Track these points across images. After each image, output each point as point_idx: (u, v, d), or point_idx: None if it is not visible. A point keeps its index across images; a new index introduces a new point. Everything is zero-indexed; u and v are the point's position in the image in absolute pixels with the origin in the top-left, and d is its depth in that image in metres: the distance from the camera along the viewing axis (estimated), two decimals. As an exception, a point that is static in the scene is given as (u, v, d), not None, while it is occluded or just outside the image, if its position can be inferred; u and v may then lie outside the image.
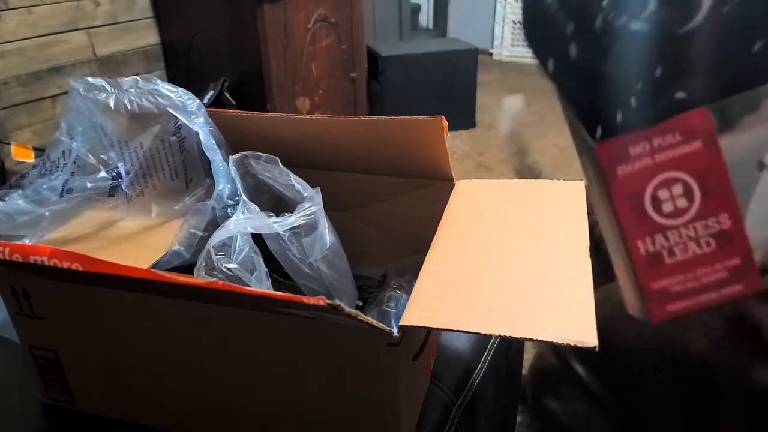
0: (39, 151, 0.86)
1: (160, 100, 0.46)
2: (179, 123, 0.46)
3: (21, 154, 0.69)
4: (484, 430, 0.41)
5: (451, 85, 1.92)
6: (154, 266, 0.38)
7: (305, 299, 0.25)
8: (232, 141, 0.48)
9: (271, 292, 0.28)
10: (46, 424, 0.40)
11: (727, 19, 0.19)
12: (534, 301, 0.27)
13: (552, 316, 0.26)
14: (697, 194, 0.20)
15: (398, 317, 0.30)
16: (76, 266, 0.30)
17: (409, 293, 0.33)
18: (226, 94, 1.30)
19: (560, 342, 0.23)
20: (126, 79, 0.48)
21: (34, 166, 0.50)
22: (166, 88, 0.47)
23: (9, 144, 0.96)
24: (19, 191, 0.48)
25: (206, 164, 0.47)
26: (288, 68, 1.33)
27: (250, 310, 0.31)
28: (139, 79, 0.48)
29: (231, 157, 0.46)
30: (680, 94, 0.19)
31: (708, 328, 0.25)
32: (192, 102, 0.47)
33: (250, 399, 0.35)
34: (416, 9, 2.97)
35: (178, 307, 0.32)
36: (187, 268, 0.41)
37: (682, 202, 0.20)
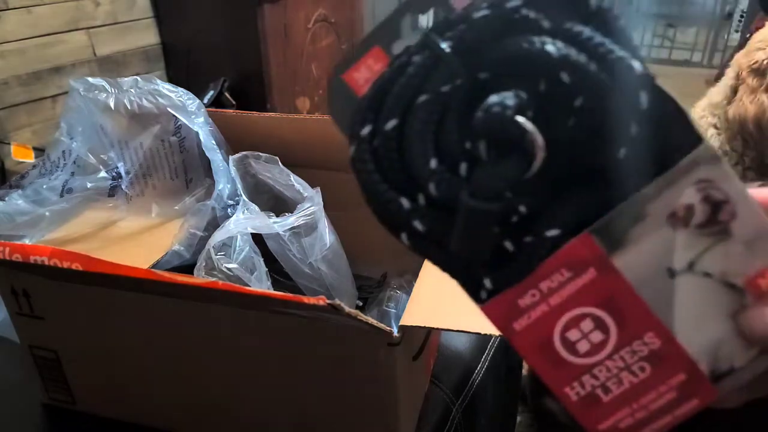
0: (39, 151, 0.86)
1: (160, 100, 0.46)
2: (179, 123, 0.46)
3: (21, 154, 0.69)
4: (484, 430, 0.41)
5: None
6: (154, 266, 0.38)
7: (305, 299, 0.25)
8: (232, 141, 0.48)
9: (271, 291, 0.28)
10: (46, 423, 0.40)
11: (572, 139, 0.17)
12: (534, 301, 0.27)
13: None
14: (611, 323, 0.18)
15: (398, 317, 0.30)
16: (76, 266, 0.30)
17: (409, 293, 0.33)
18: (226, 94, 1.30)
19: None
20: (126, 79, 0.48)
21: (34, 166, 0.50)
22: (166, 88, 0.47)
23: (9, 144, 0.96)
24: (19, 191, 0.48)
25: (206, 164, 0.47)
26: (288, 68, 1.33)
27: (250, 310, 0.31)
28: (139, 79, 0.48)
29: (231, 157, 0.46)
30: (552, 232, 0.18)
31: None
32: (192, 102, 0.47)
33: (250, 398, 0.35)
34: (416, 9, 2.96)
35: (178, 306, 0.32)
36: (187, 268, 0.41)
37: (597, 336, 0.19)
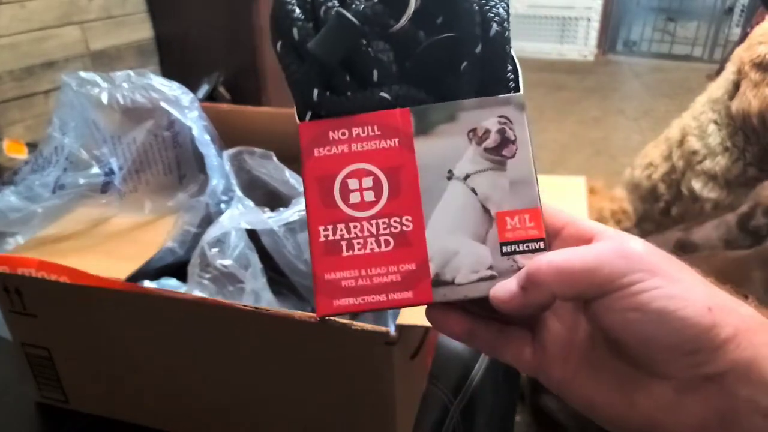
0: (32, 146, 0.85)
1: (153, 94, 0.46)
2: (173, 118, 0.46)
3: (14, 150, 0.68)
4: (482, 430, 0.41)
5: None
6: (147, 263, 0.38)
7: (296, 315, 0.25)
8: (227, 136, 0.47)
9: (262, 307, 0.28)
10: (39, 422, 0.39)
11: (438, 30, 0.21)
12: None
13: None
14: (386, 191, 0.20)
15: (395, 315, 0.30)
16: (64, 279, 0.30)
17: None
18: (221, 89, 1.29)
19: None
20: (119, 73, 0.48)
21: (26, 162, 0.49)
22: (159, 82, 0.46)
23: (1, 140, 0.95)
24: (12, 187, 0.47)
25: (200, 159, 0.46)
26: (284, 63, 1.31)
27: (245, 309, 0.31)
28: (132, 73, 0.47)
29: (225, 152, 0.45)
30: (385, 94, 0.20)
31: None
32: (186, 96, 0.46)
33: (244, 398, 0.34)
34: (414, 3, 2.95)
35: (172, 305, 0.32)
36: (181, 265, 0.40)
37: (370, 196, 0.20)
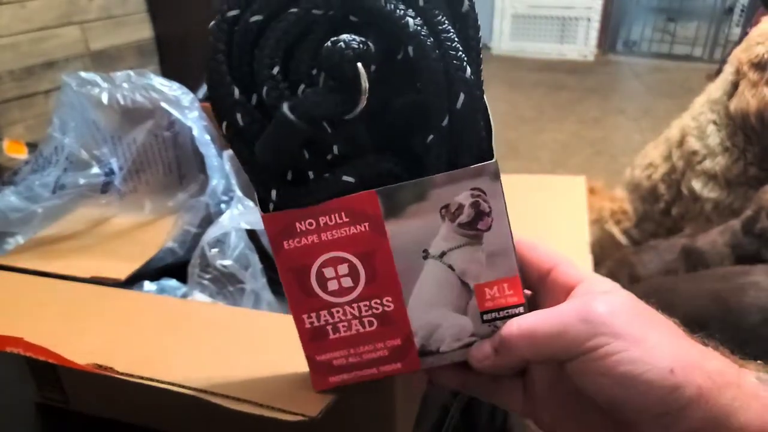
0: (32, 146, 0.85)
1: (153, 94, 0.46)
2: (173, 118, 0.46)
3: (14, 150, 0.68)
4: (482, 430, 0.41)
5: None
6: (147, 264, 0.38)
7: (287, 417, 0.23)
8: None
9: (251, 409, 0.26)
10: (39, 423, 0.39)
11: (400, 108, 0.19)
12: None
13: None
14: (363, 276, 0.20)
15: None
16: (52, 361, 0.28)
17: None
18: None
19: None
20: (119, 73, 0.48)
21: (26, 162, 0.49)
22: (159, 82, 0.46)
23: (1, 140, 0.95)
24: (12, 187, 0.47)
25: (200, 160, 0.46)
26: (284, 63, 1.31)
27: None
28: (132, 73, 0.47)
29: (225, 152, 0.45)
30: (348, 178, 0.19)
31: None
32: (186, 96, 0.46)
33: (245, 397, 0.34)
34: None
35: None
36: (181, 265, 0.40)
37: (347, 282, 0.20)
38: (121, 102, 0.46)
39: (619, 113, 2.19)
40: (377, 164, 0.20)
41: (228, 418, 0.35)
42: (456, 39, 0.19)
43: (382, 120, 0.19)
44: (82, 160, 0.47)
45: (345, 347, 0.21)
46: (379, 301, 0.21)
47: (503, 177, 0.20)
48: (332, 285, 0.21)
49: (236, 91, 0.19)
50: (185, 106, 0.46)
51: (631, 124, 2.09)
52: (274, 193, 0.20)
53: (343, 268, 0.20)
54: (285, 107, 0.18)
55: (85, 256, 0.39)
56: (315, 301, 0.21)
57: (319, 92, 0.18)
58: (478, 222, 0.20)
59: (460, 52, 0.19)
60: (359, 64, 0.18)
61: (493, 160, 0.20)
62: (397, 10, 0.18)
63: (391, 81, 0.19)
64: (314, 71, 0.19)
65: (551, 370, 0.21)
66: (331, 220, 0.20)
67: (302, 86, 0.19)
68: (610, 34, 2.97)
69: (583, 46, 2.94)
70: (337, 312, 0.21)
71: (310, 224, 0.20)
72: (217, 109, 0.20)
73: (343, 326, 0.21)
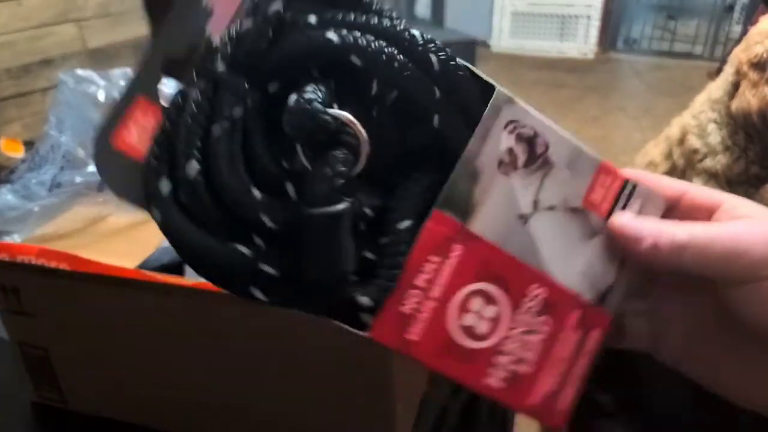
0: (29, 145, 0.85)
1: (150, 92, 0.45)
2: (170, 116, 0.45)
3: (11, 149, 0.67)
4: (482, 430, 0.41)
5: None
6: (144, 263, 0.38)
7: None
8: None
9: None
10: (37, 423, 0.39)
11: (392, 121, 0.17)
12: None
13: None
14: (496, 292, 0.17)
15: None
16: (64, 266, 0.30)
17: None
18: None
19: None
20: (116, 71, 0.47)
21: (23, 161, 0.49)
22: (156, 80, 0.46)
23: (-1, 138, 0.94)
24: (8, 186, 0.47)
25: (198, 158, 0.46)
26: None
27: (244, 306, 0.30)
28: (129, 71, 0.47)
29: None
30: (405, 224, 0.16)
31: None
32: (183, 94, 0.46)
33: (243, 397, 0.34)
34: (413, -1, 2.95)
35: (170, 303, 0.32)
36: (178, 264, 0.40)
37: (490, 311, 0.17)
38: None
39: (619, 111, 2.19)
40: (411, 191, 0.17)
41: (228, 418, 0.35)
42: (382, 20, 0.17)
43: (380, 147, 0.17)
44: (78, 158, 0.47)
45: (544, 368, 0.18)
46: (530, 298, 0.18)
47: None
48: (482, 327, 0.17)
49: (244, 249, 0.16)
50: (183, 104, 0.45)
51: (631, 122, 2.09)
52: (358, 303, 0.16)
53: (476, 303, 0.17)
54: (306, 209, 0.15)
55: (82, 255, 0.39)
56: (481, 356, 0.17)
57: (317, 168, 0.15)
58: (534, 149, 0.18)
59: (397, 26, 0.16)
60: (332, 110, 0.15)
61: (496, 89, 0.17)
62: (308, 38, 0.16)
63: (356, 106, 0.16)
64: (284, 164, 0.16)
65: (685, 293, 0.19)
66: (427, 274, 0.17)
67: (289, 186, 0.16)
68: (610, 32, 2.97)
69: (583, 43, 2.93)
70: (508, 344, 0.18)
71: (414, 295, 0.17)
72: (237, 283, 0.16)
73: (525, 351, 0.18)
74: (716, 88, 0.81)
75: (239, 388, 0.34)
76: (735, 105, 0.74)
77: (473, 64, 0.17)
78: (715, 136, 0.79)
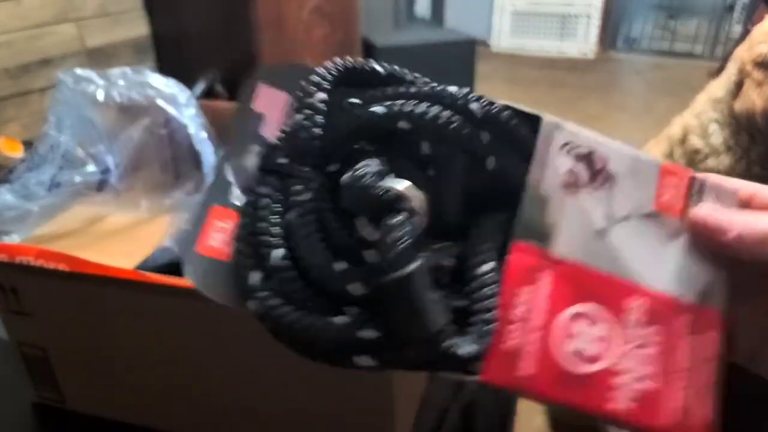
0: (28, 144, 0.85)
1: (149, 92, 0.45)
2: (169, 115, 0.45)
3: (9, 148, 0.67)
4: (482, 430, 0.41)
5: (447, 77, 1.89)
6: (143, 263, 0.38)
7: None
8: (224, 133, 0.47)
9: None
10: (36, 423, 0.39)
11: (450, 175, 0.18)
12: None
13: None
14: (596, 310, 0.17)
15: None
16: (63, 267, 0.30)
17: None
18: (218, 86, 1.28)
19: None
20: (115, 70, 0.47)
21: (22, 160, 0.49)
22: (155, 79, 0.46)
23: (-2, 138, 0.94)
24: (7, 185, 0.47)
25: (196, 157, 0.46)
26: (282, 59, 1.31)
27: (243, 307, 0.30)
28: (128, 70, 0.47)
29: (222, 150, 0.45)
30: (488, 266, 0.17)
31: None
32: (182, 94, 0.46)
33: (242, 397, 0.34)
34: (415, -4, 2.94)
35: (169, 303, 0.32)
36: (178, 264, 0.40)
37: (596, 331, 0.17)
38: (117, 99, 0.45)
39: (619, 111, 2.19)
40: (485, 232, 0.18)
41: (228, 417, 0.35)
42: (420, 86, 0.19)
43: (442, 203, 0.18)
44: (77, 158, 0.47)
45: (669, 381, 0.17)
46: (632, 311, 0.17)
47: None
48: (591, 349, 0.17)
49: (343, 319, 0.16)
50: (182, 104, 0.45)
51: (631, 121, 2.09)
52: (465, 352, 0.16)
53: (578, 326, 0.17)
54: (385, 276, 0.15)
55: (81, 255, 0.38)
56: (599, 380, 0.17)
57: (386, 235, 0.16)
58: (594, 165, 0.18)
59: (435, 88, 0.18)
60: (389, 180, 0.16)
61: (543, 118, 0.18)
62: (357, 116, 0.18)
63: (412, 169, 0.18)
64: (363, 232, 0.17)
65: (755, 286, 0.18)
66: (523, 306, 0.17)
67: (369, 252, 0.17)
68: (610, 32, 2.97)
69: (584, 43, 2.93)
70: (624, 362, 0.17)
71: (515, 330, 0.16)
72: (343, 355, 0.17)
73: (645, 365, 0.17)
74: (718, 87, 0.81)
75: (239, 388, 0.34)
76: (738, 105, 0.74)
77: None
78: (717, 137, 0.79)
